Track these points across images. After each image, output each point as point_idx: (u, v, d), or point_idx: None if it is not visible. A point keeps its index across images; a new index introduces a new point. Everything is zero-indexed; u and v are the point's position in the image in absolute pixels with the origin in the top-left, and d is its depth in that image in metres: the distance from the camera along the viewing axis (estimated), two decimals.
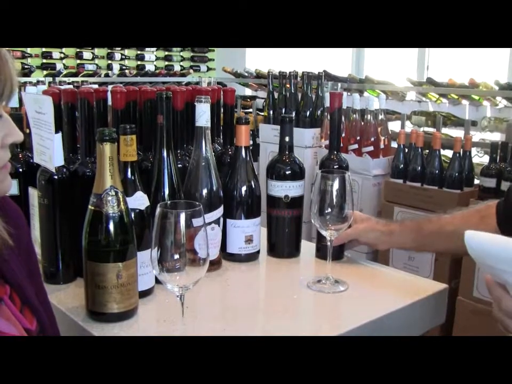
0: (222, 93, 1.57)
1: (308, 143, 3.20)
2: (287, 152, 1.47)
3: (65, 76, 5.10)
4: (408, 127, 3.51)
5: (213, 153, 1.37)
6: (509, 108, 3.39)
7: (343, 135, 2.98)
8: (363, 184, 3.05)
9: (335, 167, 1.46)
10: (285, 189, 1.46)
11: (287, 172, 1.46)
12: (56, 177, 1.23)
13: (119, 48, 5.74)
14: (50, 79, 4.81)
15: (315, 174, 1.30)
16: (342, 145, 2.50)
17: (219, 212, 1.36)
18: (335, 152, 1.49)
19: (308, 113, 3.27)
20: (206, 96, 1.31)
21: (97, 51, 5.63)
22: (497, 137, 3.41)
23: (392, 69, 6.66)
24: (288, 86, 3.39)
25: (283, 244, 1.50)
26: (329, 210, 1.26)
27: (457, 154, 2.82)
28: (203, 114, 1.31)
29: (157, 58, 6.05)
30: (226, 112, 1.55)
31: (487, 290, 0.86)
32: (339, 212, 1.27)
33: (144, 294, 1.19)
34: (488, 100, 3.45)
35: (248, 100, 4.73)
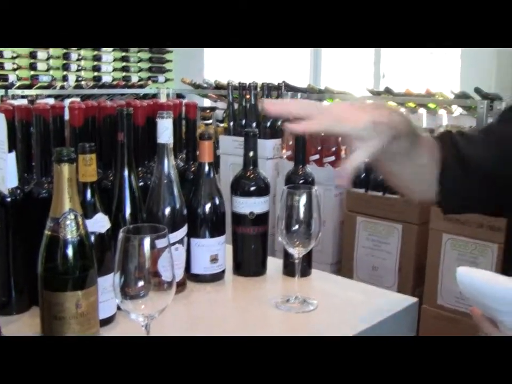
0: (184, 107, 1.53)
1: (269, 154, 3.18)
2: (251, 167, 1.43)
3: (19, 88, 4.97)
4: None
5: (176, 170, 1.33)
6: (464, 116, 3.43)
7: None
8: (325, 195, 3.04)
9: (301, 181, 1.43)
10: (250, 205, 1.42)
11: (252, 188, 1.42)
12: (9, 199, 1.16)
13: (75, 59, 5.65)
14: (3, 91, 4.68)
15: (276, 185, 1.27)
16: None
17: (183, 231, 1.31)
18: (301, 166, 1.46)
19: (268, 124, 3.25)
20: (168, 112, 1.27)
21: (52, 62, 5.52)
22: None
23: (349, 78, 6.73)
24: (248, 96, 3.36)
25: (249, 262, 1.47)
26: (297, 227, 1.23)
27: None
28: (165, 131, 1.27)
29: (114, 69, 5.97)
30: (189, 127, 1.51)
31: (477, 324, 0.86)
32: (306, 229, 1.24)
33: (106, 322, 1.13)
34: (444, 108, 3.49)
35: (208, 111, 4.69)
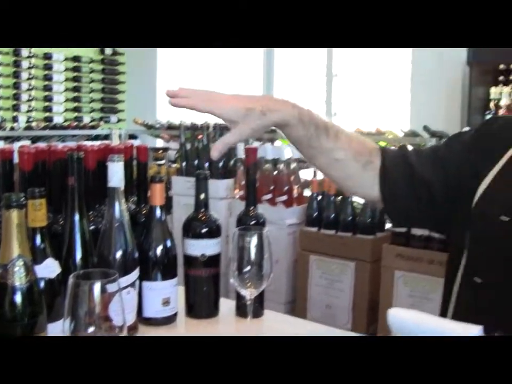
0: (135, 150, 1.53)
1: (222, 195, 3.20)
2: (202, 209, 1.44)
3: None
4: (321, 174, 3.57)
5: (127, 213, 1.33)
6: None
7: (257, 185, 2.99)
8: (278, 234, 3.06)
9: (252, 222, 1.45)
10: (202, 247, 1.43)
11: (203, 230, 1.43)
12: None
13: (26, 100, 5.61)
14: None
15: (229, 225, 1.28)
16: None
17: (134, 274, 1.31)
18: (252, 207, 1.47)
19: (220, 164, 3.27)
20: (119, 156, 1.27)
21: (2, 102, 5.47)
22: None
23: None
24: (200, 137, 3.39)
25: (202, 304, 1.46)
26: (248, 268, 1.24)
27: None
28: (116, 174, 1.27)
29: (66, 110, 5.95)
30: (140, 170, 1.52)
31: None
32: (258, 270, 1.25)
33: None
34: (395, 147, 3.56)
35: (160, 151, 4.69)
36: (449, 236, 1.29)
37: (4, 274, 0.98)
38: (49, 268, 1.11)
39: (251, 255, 1.24)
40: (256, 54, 6.95)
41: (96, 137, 5.24)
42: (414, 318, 0.80)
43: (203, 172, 1.43)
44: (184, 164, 3.47)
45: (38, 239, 1.10)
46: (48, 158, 1.35)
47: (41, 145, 1.41)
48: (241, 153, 3.29)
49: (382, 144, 3.61)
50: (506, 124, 1.13)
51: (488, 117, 5.08)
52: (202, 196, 1.44)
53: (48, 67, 5.76)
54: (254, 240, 1.24)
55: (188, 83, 6.50)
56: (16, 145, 1.32)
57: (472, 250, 1.07)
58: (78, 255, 1.22)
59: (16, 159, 1.31)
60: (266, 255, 1.25)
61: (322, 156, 1.22)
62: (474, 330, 0.73)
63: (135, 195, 1.53)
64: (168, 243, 1.40)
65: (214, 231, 1.44)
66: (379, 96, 6.35)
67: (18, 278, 0.98)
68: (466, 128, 3.41)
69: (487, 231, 1.03)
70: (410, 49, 5.67)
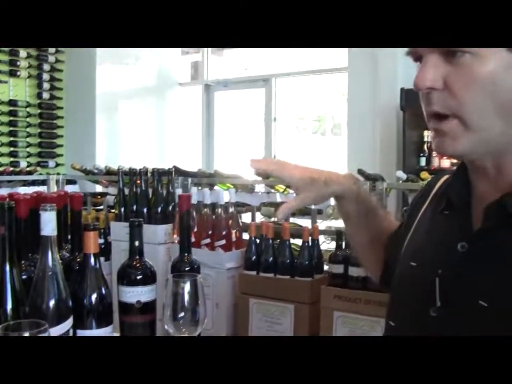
0: (68, 198, 1.54)
1: (161, 240, 3.18)
2: (137, 257, 1.45)
3: None
4: (259, 218, 3.61)
5: (60, 262, 1.33)
6: None
7: (195, 229, 3.00)
8: (217, 278, 3.06)
9: (186, 269, 1.47)
10: (137, 294, 1.43)
11: (138, 277, 1.44)
12: None
13: None
14: None
15: (168, 270, 1.30)
16: (194, 239, 2.52)
17: (68, 323, 1.30)
18: (186, 254, 1.49)
19: (159, 209, 3.27)
20: (51, 205, 1.28)
21: None
22: (342, 224, 3.58)
23: (241, 162, 6.91)
24: (138, 182, 3.38)
25: None
26: (182, 314, 1.26)
27: (306, 243, 2.91)
28: (48, 223, 1.27)
29: (1, 155, 5.85)
30: (74, 218, 1.52)
31: None
32: (192, 316, 1.26)
33: None
34: None
35: (99, 196, 4.66)
36: None
37: None
38: None
39: (185, 301, 1.25)
40: (197, 96, 7.04)
41: (34, 182, 5.15)
42: None
43: (137, 219, 1.45)
44: (122, 209, 3.45)
45: None
46: None
47: None
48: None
49: None
50: (437, 178, 1.20)
51: (422, 159, 5.25)
52: (136, 243, 1.45)
53: None
54: (187, 286, 1.26)
55: (127, 129, 6.51)
56: None
57: (390, 295, 1.14)
58: (9, 305, 1.21)
59: None
60: (200, 300, 1.27)
61: (364, 233, 1.32)
62: None
63: (69, 243, 1.53)
64: (103, 290, 1.40)
65: (149, 278, 1.45)
66: (317, 140, 6.49)
67: None
68: (401, 172, 3.51)
69: (400, 276, 1.09)
70: (346, 93, 5.85)
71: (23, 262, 1.36)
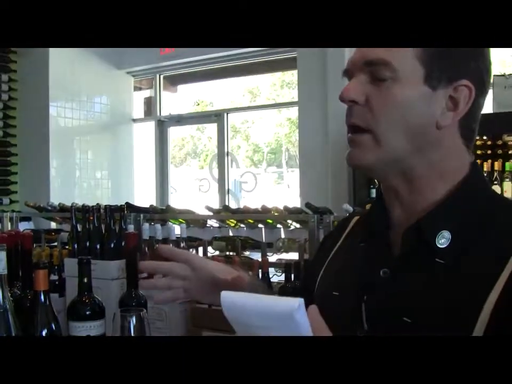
0: (19, 238, 1.61)
1: (114, 275, 3.22)
2: (86, 292, 1.52)
3: None
4: (211, 252, 3.68)
5: (11, 299, 1.39)
6: (299, 229, 3.70)
7: None
8: (170, 312, 3.11)
9: (133, 304, 1.54)
10: (86, 329, 1.50)
11: (87, 312, 1.51)
12: None
13: None
14: None
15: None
16: (147, 274, 2.58)
17: None
18: (133, 290, 1.57)
19: (112, 245, 3.32)
20: (2, 244, 1.35)
21: None
22: (294, 255, 3.68)
23: (194, 197, 6.99)
24: (91, 219, 3.43)
25: None
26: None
27: (256, 276, 3.00)
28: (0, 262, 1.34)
29: None
30: (25, 257, 1.59)
31: None
32: None
33: None
34: (281, 223, 3.74)
35: (53, 233, 4.67)
36: None
37: None
38: None
39: (131, 334, 1.33)
40: (150, 131, 7.09)
41: None
42: (243, 296, 0.85)
43: (85, 257, 1.53)
44: (75, 245, 3.49)
45: None
46: None
47: None
48: None
49: (269, 221, 3.79)
50: (348, 219, 1.31)
51: (373, 190, 5.39)
52: (85, 280, 1.53)
53: None
54: (133, 320, 1.33)
55: (82, 165, 6.54)
56: None
57: None
58: None
59: None
60: (147, 333, 1.34)
61: None
62: (295, 303, 0.77)
63: (20, 281, 1.60)
64: (53, 326, 1.46)
65: (98, 313, 1.53)
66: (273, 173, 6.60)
67: None
68: (347, 205, 3.62)
69: (324, 307, 1.18)
70: (297, 130, 5.99)
71: None
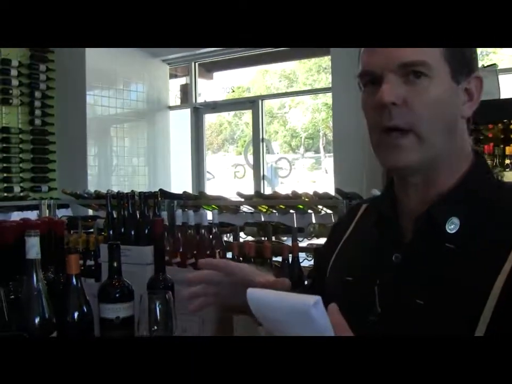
0: (52, 224, 1.68)
1: (148, 260, 3.30)
2: (116, 276, 1.59)
3: None
4: (242, 237, 3.74)
5: (45, 282, 1.46)
6: (330, 215, 3.73)
7: (181, 250, 3.12)
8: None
9: (161, 287, 1.60)
10: (116, 310, 1.57)
11: (117, 295, 1.57)
12: None
13: None
14: None
15: None
16: (180, 259, 2.65)
17: None
18: (161, 273, 1.63)
19: (146, 231, 3.39)
20: (35, 231, 1.42)
21: None
22: (324, 240, 3.71)
23: (230, 183, 7.05)
24: (126, 205, 3.51)
25: None
26: (155, 327, 1.39)
27: (286, 261, 3.04)
28: (33, 248, 1.41)
29: None
30: (57, 243, 1.66)
31: None
32: (164, 329, 1.40)
33: None
34: (311, 209, 3.78)
35: (90, 220, 4.79)
36: None
37: None
38: None
39: (157, 315, 1.39)
40: (186, 118, 7.15)
41: (27, 207, 5.27)
42: (268, 292, 0.90)
43: (114, 242, 1.59)
44: (111, 231, 3.57)
45: None
46: None
47: None
48: (167, 220, 3.43)
49: (300, 207, 3.83)
50: (357, 207, 1.35)
51: None
52: (115, 264, 1.59)
53: None
54: (159, 302, 1.39)
55: (118, 153, 6.65)
56: None
57: None
58: None
59: None
60: (173, 314, 1.40)
61: None
62: (310, 300, 0.81)
63: (53, 265, 1.67)
64: (84, 308, 1.53)
65: (127, 295, 1.59)
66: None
67: None
68: (376, 191, 3.64)
69: (336, 291, 1.22)
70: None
71: (10, 283, 1.49)
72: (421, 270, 1.06)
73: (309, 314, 0.82)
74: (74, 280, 1.52)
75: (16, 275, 1.53)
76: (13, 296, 1.46)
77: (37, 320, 1.42)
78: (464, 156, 1.11)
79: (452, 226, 1.04)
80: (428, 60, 1.03)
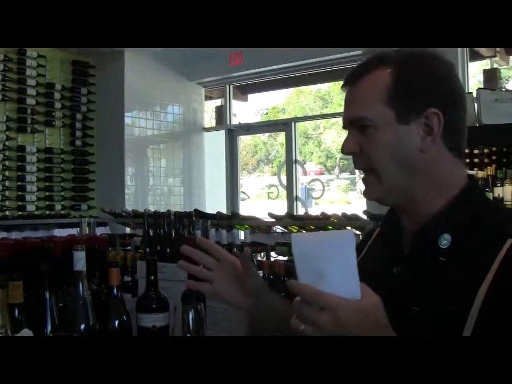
0: (96, 240, 1.84)
1: (182, 277, 3.43)
2: (153, 288, 1.74)
3: None
4: (273, 256, 3.86)
5: (89, 292, 1.62)
6: (357, 235, 3.83)
7: None
8: (234, 313, 3.30)
9: (193, 299, 1.75)
10: (153, 320, 1.72)
11: (154, 306, 1.72)
12: None
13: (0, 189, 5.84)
14: None
15: None
16: None
17: None
18: None
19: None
20: (82, 245, 1.58)
21: None
22: None
23: (264, 204, 7.15)
24: (162, 224, 3.66)
25: None
26: (188, 335, 1.53)
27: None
28: (79, 260, 1.57)
29: (38, 199, 6.18)
30: (100, 257, 1.82)
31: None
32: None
33: None
34: (340, 229, 3.89)
35: (127, 238, 4.96)
36: None
37: None
38: None
39: (190, 324, 1.53)
40: (220, 140, 7.31)
41: (67, 225, 5.46)
42: (310, 234, 1.06)
43: (152, 258, 1.74)
44: (147, 249, 3.73)
45: (16, 313, 1.39)
46: (24, 248, 1.65)
47: (18, 237, 1.71)
48: None
49: (329, 227, 3.95)
50: (373, 230, 1.50)
51: None
52: (152, 277, 1.74)
53: (21, 158, 6.04)
54: (192, 312, 1.54)
55: (155, 173, 6.84)
56: None
57: None
58: (48, 326, 1.50)
59: None
60: (203, 323, 1.55)
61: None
62: (348, 232, 0.99)
63: (97, 277, 1.83)
64: (124, 316, 1.68)
65: (162, 306, 1.74)
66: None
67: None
68: None
69: None
70: None
71: (59, 292, 1.66)
72: (417, 280, 1.20)
73: (350, 237, 0.98)
74: (115, 291, 1.68)
75: (64, 285, 1.70)
76: (61, 305, 1.61)
77: (82, 326, 1.57)
78: (450, 180, 1.24)
79: (444, 242, 1.18)
80: (366, 114, 1.21)
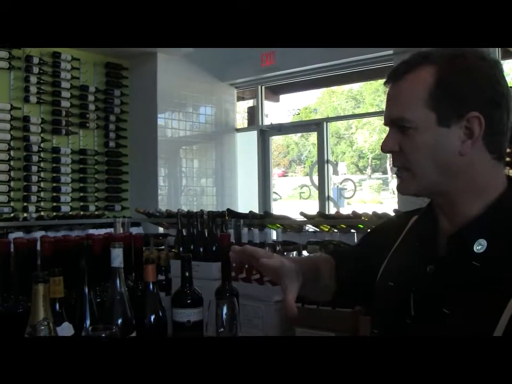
0: (132, 238, 1.89)
1: (215, 276, 3.49)
2: (187, 285, 1.79)
3: None
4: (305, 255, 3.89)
5: (126, 288, 1.67)
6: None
7: (246, 266, 3.30)
8: (266, 310, 3.34)
9: (227, 294, 1.79)
10: (187, 315, 1.76)
11: (188, 301, 1.77)
12: None
13: (35, 191, 5.95)
14: None
15: None
16: (245, 275, 2.81)
17: None
18: (227, 282, 1.81)
19: (214, 248, 3.59)
20: (119, 243, 1.63)
21: (13, 194, 5.81)
22: None
23: (296, 204, 7.16)
24: (195, 224, 3.72)
25: None
26: (221, 330, 1.57)
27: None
28: (117, 257, 1.62)
29: (73, 200, 6.29)
30: (136, 254, 1.87)
31: None
32: (229, 331, 1.57)
33: None
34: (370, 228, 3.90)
35: (161, 237, 5.03)
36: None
37: (33, 332, 1.32)
38: (66, 330, 1.45)
39: (223, 318, 1.57)
40: (253, 140, 7.35)
41: (101, 225, 5.55)
42: None
43: (187, 255, 1.79)
44: (181, 248, 3.79)
45: (57, 307, 1.45)
46: (64, 245, 1.71)
47: (58, 235, 1.77)
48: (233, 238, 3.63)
49: (360, 226, 3.96)
50: (406, 217, 1.50)
51: None
52: (187, 274, 1.79)
53: (56, 160, 6.15)
54: (225, 307, 1.57)
55: (187, 173, 6.91)
56: (35, 234, 1.68)
57: (372, 309, 1.45)
58: (88, 320, 1.55)
59: (38, 246, 1.67)
60: (236, 318, 1.58)
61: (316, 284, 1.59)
62: None
63: (133, 274, 1.88)
64: (159, 311, 1.73)
65: (197, 302, 1.78)
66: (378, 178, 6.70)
67: (43, 335, 1.32)
68: None
69: (381, 293, 1.39)
70: None
71: (97, 288, 1.71)
72: (450, 283, 1.21)
73: None
74: (151, 286, 1.73)
75: (102, 281, 1.75)
76: (99, 300, 1.67)
77: (119, 321, 1.62)
78: (489, 183, 1.24)
79: (479, 247, 1.18)
80: (407, 116, 1.23)
